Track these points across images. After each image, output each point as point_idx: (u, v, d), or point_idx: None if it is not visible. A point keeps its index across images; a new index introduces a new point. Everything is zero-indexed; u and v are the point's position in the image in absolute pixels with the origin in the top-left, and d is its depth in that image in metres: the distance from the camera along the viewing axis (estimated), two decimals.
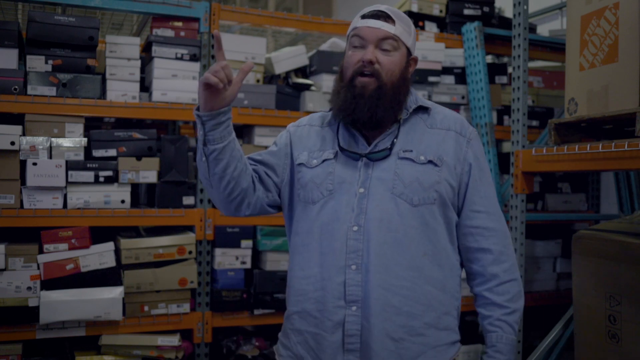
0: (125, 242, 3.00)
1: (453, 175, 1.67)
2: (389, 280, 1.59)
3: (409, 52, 1.70)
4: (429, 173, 1.64)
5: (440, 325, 1.66)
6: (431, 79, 3.61)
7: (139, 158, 3.05)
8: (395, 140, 1.66)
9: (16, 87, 2.84)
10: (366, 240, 1.61)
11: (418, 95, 1.77)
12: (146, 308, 3.02)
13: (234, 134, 1.64)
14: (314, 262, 1.66)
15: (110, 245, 2.96)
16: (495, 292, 1.73)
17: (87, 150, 2.97)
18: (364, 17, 1.67)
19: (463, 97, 3.69)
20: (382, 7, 1.68)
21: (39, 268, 2.82)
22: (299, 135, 1.79)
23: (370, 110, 1.62)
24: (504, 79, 3.78)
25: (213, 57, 3.23)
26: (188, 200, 3.16)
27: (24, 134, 2.85)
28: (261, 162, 1.77)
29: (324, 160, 1.70)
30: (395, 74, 1.65)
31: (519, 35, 3.04)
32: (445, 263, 1.70)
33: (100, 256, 2.92)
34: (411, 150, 1.66)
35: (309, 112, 3.25)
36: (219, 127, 1.59)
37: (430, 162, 1.65)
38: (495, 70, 3.76)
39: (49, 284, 2.83)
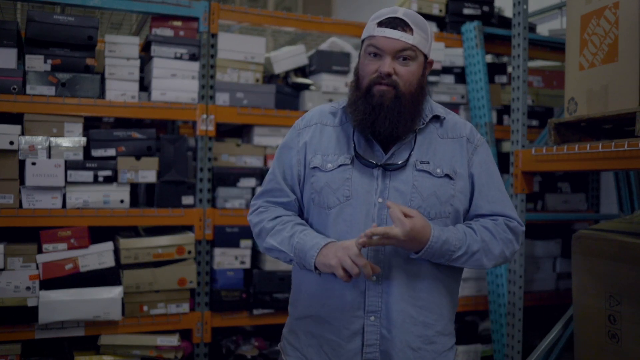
0: (124, 242, 3.00)
1: (466, 184, 1.69)
2: (409, 292, 1.63)
3: (425, 57, 1.69)
4: (445, 187, 1.65)
5: (447, 331, 1.71)
6: (431, 78, 3.60)
7: (138, 158, 3.04)
8: (412, 152, 1.66)
9: (15, 86, 2.84)
10: (386, 252, 1.63)
11: (432, 102, 1.76)
12: (145, 308, 3.01)
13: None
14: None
15: (109, 245, 2.95)
16: (495, 222, 1.70)
17: (86, 150, 2.97)
18: (380, 24, 1.63)
19: (463, 97, 3.69)
20: (399, 13, 1.63)
21: (38, 268, 2.82)
22: (311, 136, 1.74)
23: (392, 125, 1.61)
24: (504, 79, 3.77)
25: (212, 56, 3.23)
26: (187, 200, 3.15)
27: (22, 134, 2.84)
28: (292, 202, 1.77)
29: (340, 165, 1.67)
30: (413, 84, 1.63)
31: (519, 34, 3.04)
32: (453, 272, 1.72)
33: (99, 256, 2.92)
34: (428, 162, 1.66)
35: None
36: None
37: (446, 175, 1.66)
38: (494, 70, 3.76)
39: (48, 284, 2.83)
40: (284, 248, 1.66)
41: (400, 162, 1.64)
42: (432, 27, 3.74)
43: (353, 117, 1.66)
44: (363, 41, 1.69)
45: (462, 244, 1.60)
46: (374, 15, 1.67)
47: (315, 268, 1.61)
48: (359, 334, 1.63)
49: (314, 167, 1.70)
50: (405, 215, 1.51)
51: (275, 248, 1.68)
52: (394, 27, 1.61)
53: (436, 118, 1.73)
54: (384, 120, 1.60)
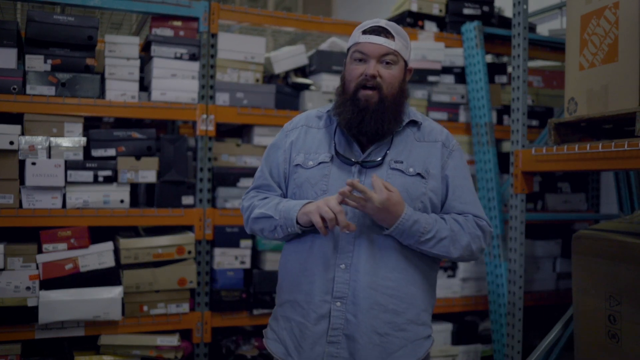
0: (124, 242, 3.00)
1: (438, 184, 1.82)
2: (377, 281, 1.74)
3: (406, 64, 1.84)
4: (416, 185, 1.78)
5: (419, 321, 1.81)
6: (431, 78, 3.60)
7: (138, 158, 3.04)
8: (388, 151, 1.80)
9: (15, 86, 2.84)
10: (357, 242, 1.76)
11: (411, 108, 1.91)
12: (145, 308, 3.01)
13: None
14: (307, 257, 1.80)
15: (109, 245, 2.95)
16: (465, 218, 1.82)
17: (86, 150, 2.97)
18: (364, 32, 1.79)
19: (463, 97, 3.69)
20: (382, 23, 1.80)
21: (38, 268, 2.82)
22: (296, 137, 1.90)
23: (377, 124, 1.76)
24: (504, 79, 3.77)
25: (212, 56, 3.23)
26: (187, 200, 3.16)
27: (22, 134, 2.84)
28: (279, 196, 1.91)
29: (320, 163, 1.82)
30: (395, 87, 1.79)
31: (519, 34, 3.04)
32: (426, 263, 1.83)
33: (99, 256, 2.92)
34: (402, 162, 1.80)
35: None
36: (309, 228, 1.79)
37: (418, 174, 1.79)
38: (495, 70, 3.76)
39: (48, 284, 2.83)
40: (270, 212, 1.80)
41: (377, 160, 1.79)
42: (432, 27, 3.75)
43: (340, 118, 1.81)
44: (348, 50, 1.84)
45: (431, 228, 1.72)
46: (359, 26, 1.84)
47: (297, 223, 1.74)
48: (325, 317, 1.75)
49: (296, 165, 1.85)
50: (386, 189, 1.66)
51: (263, 215, 1.82)
52: (378, 34, 1.78)
53: (414, 123, 1.87)
54: (370, 121, 1.75)
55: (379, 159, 1.79)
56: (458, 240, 1.75)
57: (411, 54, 1.87)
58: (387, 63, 1.77)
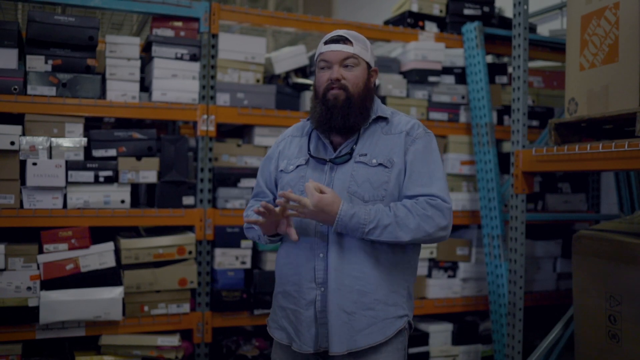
0: (125, 242, 3.00)
1: (401, 170, 1.93)
2: (343, 264, 1.90)
3: (369, 65, 2.00)
4: (379, 174, 1.92)
5: (390, 301, 1.93)
6: (431, 78, 3.61)
7: (138, 158, 3.05)
8: (354, 146, 1.96)
9: (16, 87, 2.84)
10: (330, 233, 1.92)
11: (380, 105, 2.05)
12: (146, 308, 3.02)
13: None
14: (292, 251, 1.99)
15: (110, 245, 2.96)
16: (416, 201, 1.89)
17: (87, 150, 2.97)
18: (326, 42, 1.98)
19: (463, 97, 3.69)
20: (341, 32, 1.99)
21: (38, 268, 2.82)
22: (283, 146, 2.12)
23: (344, 118, 1.93)
24: (504, 79, 3.77)
25: (213, 57, 3.24)
26: (188, 200, 3.16)
27: (23, 134, 2.85)
28: (272, 201, 2.12)
29: (297, 166, 2.02)
30: (360, 86, 1.96)
31: (519, 35, 3.04)
32: (391, 247, 1.92)
33: (100, 256, 2.92)
34: (365, 155, 1.95)
35: (308, 112, 3.25)
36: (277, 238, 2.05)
37: (380, 164, 1.93)
38: (495, 70, 3.76)
39: (48, 284, 2.83)
40: (253, 218, 2.00)
41: (344, 156, 1.95)
42: (432, 28, 3.75)
43: (313, 119, 2.00)
44: (315, 60, 2.02)
45: (372, 218, 1.83)
46: (322, 39, 2.02)
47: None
48: (312, 303, 1.92)
49: (280, 171, 2.07)
50: (321, 192, 1.82)
51: (248, 226, 2.09)
52: (337, 42, 1.96)
53: (382, 118, 2.02)
54: (338, 116, 1.93)
55: (347, 154, 1.95)
56: (405, 225, 1.83)
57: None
58: (349, 66, 1.94)
